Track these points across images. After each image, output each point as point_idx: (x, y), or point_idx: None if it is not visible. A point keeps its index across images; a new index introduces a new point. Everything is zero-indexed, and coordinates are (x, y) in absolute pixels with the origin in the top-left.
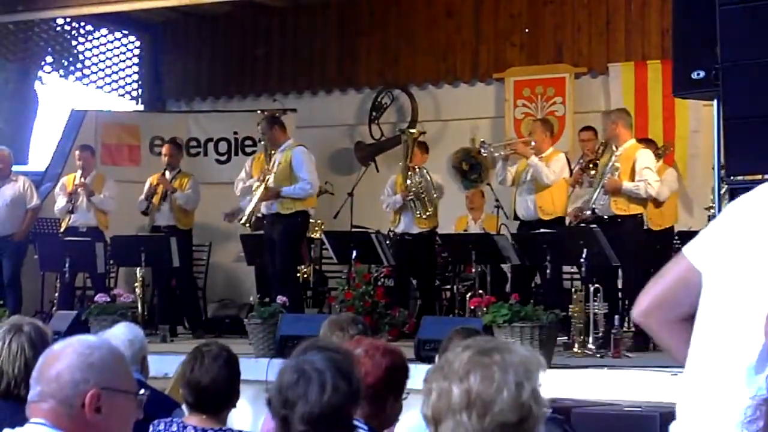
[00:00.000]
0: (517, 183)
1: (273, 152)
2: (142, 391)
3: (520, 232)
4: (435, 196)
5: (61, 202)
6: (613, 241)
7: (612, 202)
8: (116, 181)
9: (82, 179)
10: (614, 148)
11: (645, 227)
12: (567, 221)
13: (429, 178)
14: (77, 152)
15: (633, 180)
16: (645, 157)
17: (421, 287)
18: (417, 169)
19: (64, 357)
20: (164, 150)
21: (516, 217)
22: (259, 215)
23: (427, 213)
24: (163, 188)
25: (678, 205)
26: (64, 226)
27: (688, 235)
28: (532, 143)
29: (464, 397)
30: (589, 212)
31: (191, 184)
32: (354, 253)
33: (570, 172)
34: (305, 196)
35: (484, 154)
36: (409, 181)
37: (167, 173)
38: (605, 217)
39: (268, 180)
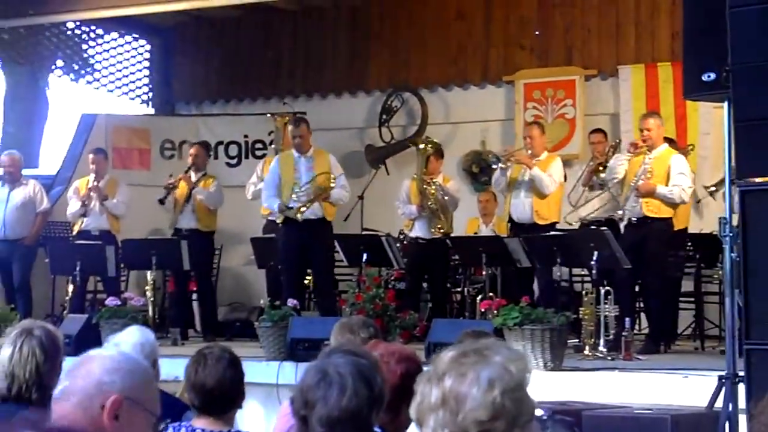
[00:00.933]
0: (512, 186)
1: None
2: None
3: (532, 235)
4: (450, 209)
5: (73, 205)
6: (641, 242)
7: (644, 203)
8: (127, 185)
9: (96, 183)
10: (648, 151)
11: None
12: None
13: (443, 191)
14: (91, 156)
15: (667, 184)
16: (680, 163)
17: (432, 291)
18: (432, 182)
19: (99, 359)
20: (192, 150)
21: (510, 220)
22: (271, 218)
23: (440, 225)
24: (187, 187)
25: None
26: (76, 229)
27: (700, 238)
28: (529, 151)
29: (440, 396)
30: (620, 213)
31: (215, 184)
32: (364, 256)
33: (565, 176)
34: (344, 203)
35: (495, 167)
36: (425, 195)
37: (192, 174)
38: (634, 219)
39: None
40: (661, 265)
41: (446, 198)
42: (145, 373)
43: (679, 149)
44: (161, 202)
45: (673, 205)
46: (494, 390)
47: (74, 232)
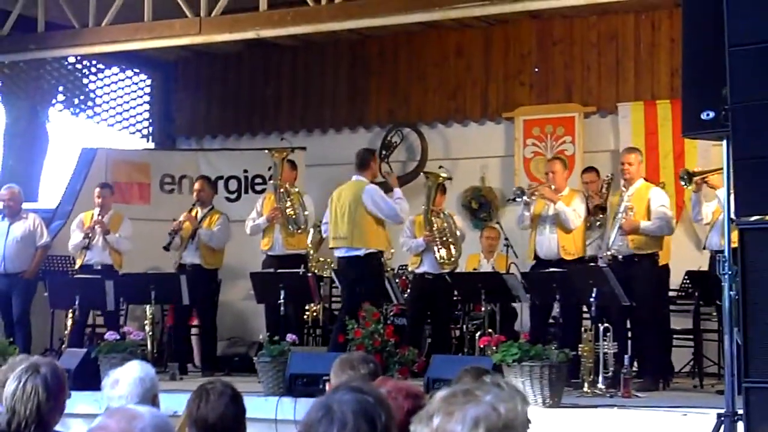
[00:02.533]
0: (535, 223)
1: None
2: None
3: (530, 271)
4: (460, 239)
5: (76, 238)
6: (630, 280)
7: (630, 240)
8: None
9: (100, 217)
10: (623, 188)
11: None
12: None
13: (452, 222)
14: (97, 189)
15: (648, 218)
16: (659, 195)
17: (434, 327)
18: (441, 212)
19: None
20: (197, 185)
21: (536, 257)
22: (270, 253)
23: (452, 258)
24: (191, 226)
25: (672, 244)
26: (78, 263)
27: (698, 275)
28: (552, 186)
29: None
30: (609, 253)
31: (220, 222)
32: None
33: (587, 211)
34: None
35: (519, 200)
36: (434, 225)
37: (199, 210)
38: (620, 257)
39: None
40: (652, 301)
41: (455, 229)
42: (156, 427)
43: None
44: (166, 248)
45: (658, 238)
46: (479, 429)
47: (77, 266)
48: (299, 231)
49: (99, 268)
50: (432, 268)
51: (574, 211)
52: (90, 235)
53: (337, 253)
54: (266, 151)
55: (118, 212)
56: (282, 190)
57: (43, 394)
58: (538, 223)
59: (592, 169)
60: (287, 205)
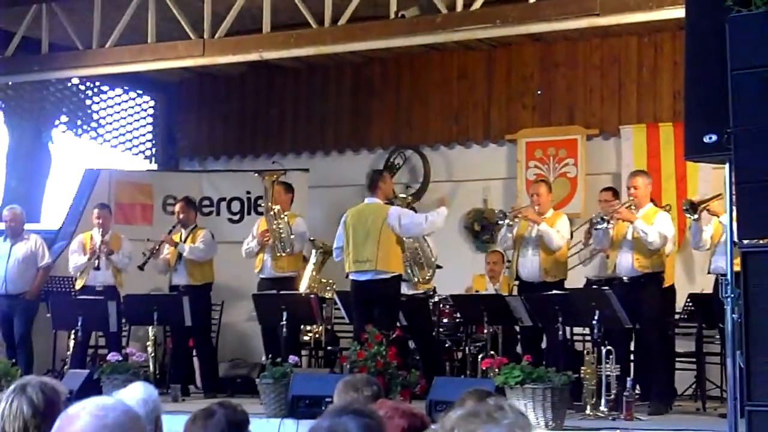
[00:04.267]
0: (519, 244)
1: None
2: None
3: (533, 294)
4: (433, 260)
5: (77, 259)
6: (636, 301)
7: (635, 259)
8: (129, 240)
9: (103, 238)
10: (633, 209)
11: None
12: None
13: (425, 243)
14: (96, 210)
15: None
16: (664, 219)
17: (419, 349)
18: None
19: (78, 420)
20: (177, 208)
21: (517, 277)
22: (263, 276)
23: (426, 278)
24: (171, 247)
25: (677, 266)
26: (81, 284)
27: (700, 298)
28: (536, 207)
29: None
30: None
31: (202, 236)
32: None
33: (571, 234)
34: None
35: (502, 223)
36: (273, 225)
37: (182, 232)
38: (626, 278)
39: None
40: (658, 323)
41: (430, 252)
42: (127, 416)
43: (660, 208)
44: (141, 268)
45: (654, 251)
46: None
47: (78, 287)
48: (284, 254)
49: (101, 288)
50: (407, 289)
51: (558, 232)
52: (98, 256)
53: (358, 277)
54: (255, 174)
55: (116, 232)
56: (271, 213)
57: (29, 411)
58: (521, 245)
59: (611, 188)
60: (275, 229)
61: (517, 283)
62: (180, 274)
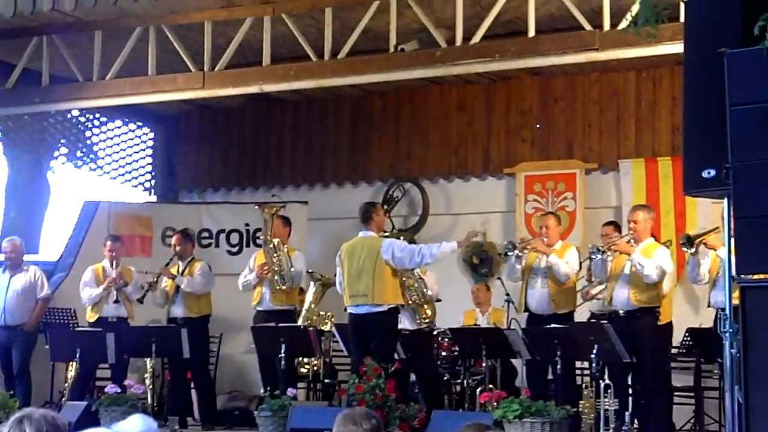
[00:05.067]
0: (527, 276)
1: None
2: None
3: (532, 327)
4: (430, 296)
5: (92, 291)
6: (631, 336)
7: (631, 293)
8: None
9: (116, 270)
10: (632, 243)
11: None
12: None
13: (422, 282)
14: (109, 243)
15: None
16: (662, 253)
17: (421, 382)
18: (411, 274)
19: None
20: (174, 240)
21: (526, 309)
22: (260, 309)
23: (425, 315)
24: (169, 279)
25: (675, 301)
26: (95, 316)
27: (698, 333)
28: (545, 239)
29: None
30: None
31: (199, 268)
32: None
33: (580, 265)
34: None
35: (511, 255)
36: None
37: (180, 264)
38: (622, 312)
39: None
40: (654, 357)
41: (426, 290)
42: None
43: (661, 244)
44: (140, 301)
45: (651, 285)
46: None
47: (92, 320)
48: (283, 287)
49: (114, 320)
50: (408, 324)
51: (567, 264)
52: (116, 288)
53: (356, 310)
54: (255, 207)
55: (125, 265)
56: (270, 245)
57: None
58: (529, 276)
59: (613, 222)
60: (274, 261)
61: (527, 315)
62: (178, 307)
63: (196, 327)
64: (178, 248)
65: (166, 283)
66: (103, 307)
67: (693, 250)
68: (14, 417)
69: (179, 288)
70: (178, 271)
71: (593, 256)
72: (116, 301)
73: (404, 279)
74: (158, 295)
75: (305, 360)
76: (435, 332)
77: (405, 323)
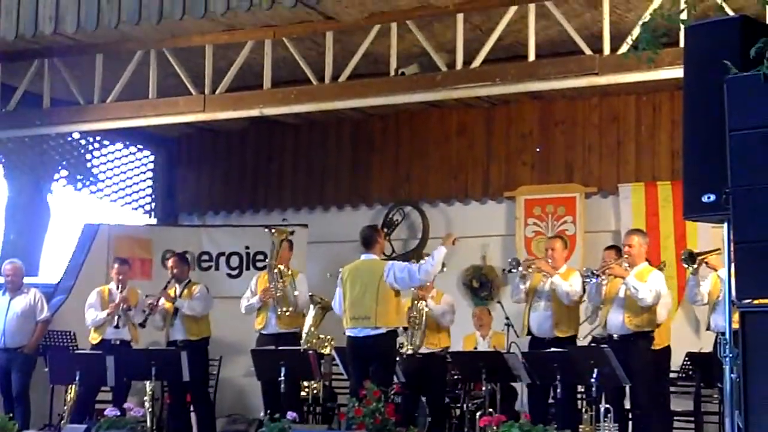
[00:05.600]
0: (531, 298)
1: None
2: None
3: (531, 351)
4: (444, 322)
5: (97, 314)
6: (626, 360)
7: (626, 317)
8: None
9: (122, 293)
10: (627, 267)
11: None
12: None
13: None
14: (116, 266)
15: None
16: (656, 277)
17: (430, 405)
18: (420, 300)
19: None
20: (170, 263)
21: (529, 332)
22: (264, 332)
23: (433, 340)
24: (168, 302)
25: (675, 325)
26: (98, 338)
27: (698, 357)
28: (550, 261)
29: None
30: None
31: (198, 291)
32: None
33: (583, 290)
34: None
35: (515, 272)
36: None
37: (177, 287)
38: (616, 336)
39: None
40: (650, 381)
41: (435, 315)
42: None
43: (655, 267)
44: (142, 325)
45: (646, 308)
46: None
47: (95, 342)
48: (287, 312)
49: (118, 343)
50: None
51: (571, 286)
52: (122, 313)
53: (355, 333)
54: (266, 229)
55: (132, 288)
56: (276, 270)
57: None
58: (533, 298)
59: (614, 247)
60: (279, 286)
61: (529, 338)
62: (177, 330)
63: (196, 349)
64: (175, 271)
65: (163, 305)
66: (106, 329)
67: (695, 266)
68: None
69: (178, 311)
70: (175, 294)
71: (588, 280)
72: (116, 327)
73: (415, 302)
74: (157, 318)
75: (305, 383)
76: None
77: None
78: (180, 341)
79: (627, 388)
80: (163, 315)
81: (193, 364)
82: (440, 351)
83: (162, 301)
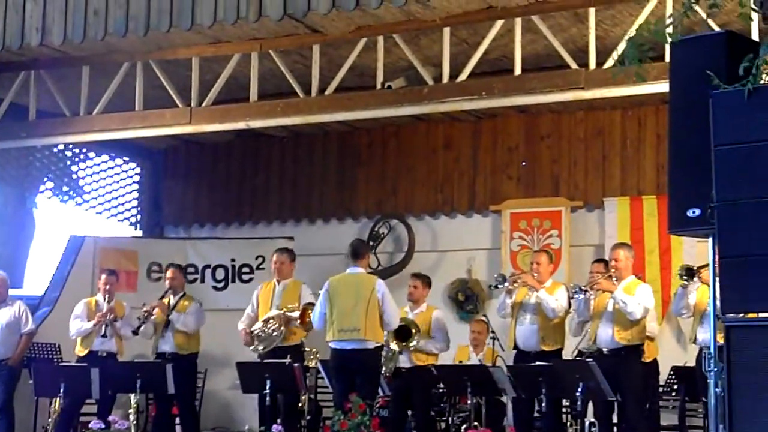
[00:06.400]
0: (516, 312)
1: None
2: None
3: (516, 365)
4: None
5: (81, 324)
6: (616, 374)
7: (616, 331)
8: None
9: (110, 305)
10: (614, 281)
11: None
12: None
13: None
14: (104, 277)
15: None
16: (645, 291)
17: (417, 419)
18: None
19: None
20: (169, 273)
21: (515, 346)
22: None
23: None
24: (162, 314)
25: (661, 339)
26: (84, 351)
27: (683, 371)
28: (535, 275)
29: None
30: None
31: (192, 308)
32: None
33: (569, 304)
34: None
35: (501, 287)
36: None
37: (171, 297)
38: (606, 350)
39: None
40: (640, 395)
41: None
42: None
43: (644, 282)
44: (135, 333)
45: (634, 322)
46: None
47: (81, 354)
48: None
49: (104, 355)
50: (406, 362)
51: (557, 301)
52: (106, 323)
53: (342, 345)
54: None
55: (118, 300)
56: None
57: None
58: (519, 313)
59: (602, 260)
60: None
61: (515, 352)
62: (167, 342)
63: (185, 363)
64: (174, 282)
65: (155, 315)
66: (93, 341)
67: (693, 281)
68: None
69: (170, 323)
70: (169, 305)
71: (576, 296)
72: (104, 336)
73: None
74: (149, 327)
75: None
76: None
77: (403, 361)
78: (168, 354)
79: (615, 403)
80: (152, 325)
81: (181, 378)
82: (425, 365)
83: (156, 310)
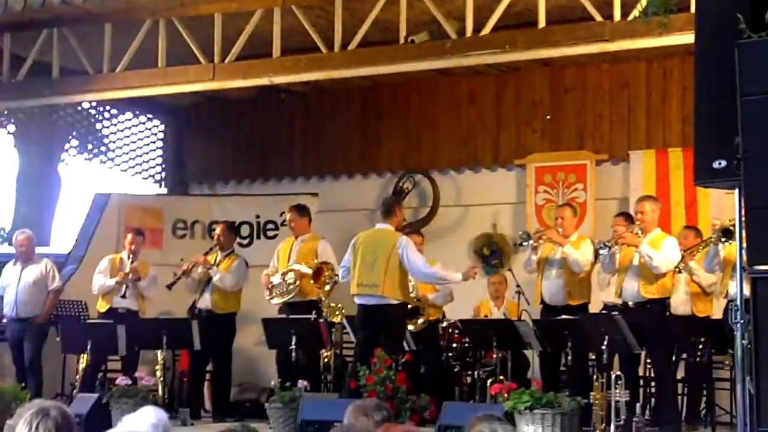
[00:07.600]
0: (542, 268)
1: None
2: None
3: (542, 319)
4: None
5: (102, 280)
6: (641, 327)
7: (641, 285)
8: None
9: (133, 263)
10: (641, 234)
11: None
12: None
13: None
14: (130, 236)
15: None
16: (671, 244)
17: (432, 373)
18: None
19: None
20: (217, 230)
21: (542, 301)
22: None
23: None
24: (202, 268)
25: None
26: (106, 306)
27: (711, 324)
28: (560, 230)
29: None
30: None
31: (234, 265)
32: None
33: (595, 257)
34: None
35: (526, 245)
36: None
37: (218, 254)
38: (631, 303)
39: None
40: (664, 346)
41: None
42: None
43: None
44: (169, 287)
45: (660, 276)
46: None
47: (103, 310)
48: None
49: (124, 312)
50: None
51: (582, 255)
52: (128, 282)
53: (362, 300)
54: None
55: (143, 259)
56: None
57: None
58: (544, 268)
59: (625, 213)
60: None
61: (541, 306)
62: (205, 299)
63: (220, 321)
64: (221, 239)
65: (200, 270)
66: (114, 298)
67: (732, 241)
68: (29, 411)
69: (210, 280)
70: (215, 261)
71: (601, 252)
72: (123, 296)
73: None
74: (191, 282)
75: (318, 352)
76: (445, 324)
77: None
78: (204, 310)
79: (642, 355)
80: (195, 280)
81: (216, 336)
82: (433, 321)
83: (198, 267)
